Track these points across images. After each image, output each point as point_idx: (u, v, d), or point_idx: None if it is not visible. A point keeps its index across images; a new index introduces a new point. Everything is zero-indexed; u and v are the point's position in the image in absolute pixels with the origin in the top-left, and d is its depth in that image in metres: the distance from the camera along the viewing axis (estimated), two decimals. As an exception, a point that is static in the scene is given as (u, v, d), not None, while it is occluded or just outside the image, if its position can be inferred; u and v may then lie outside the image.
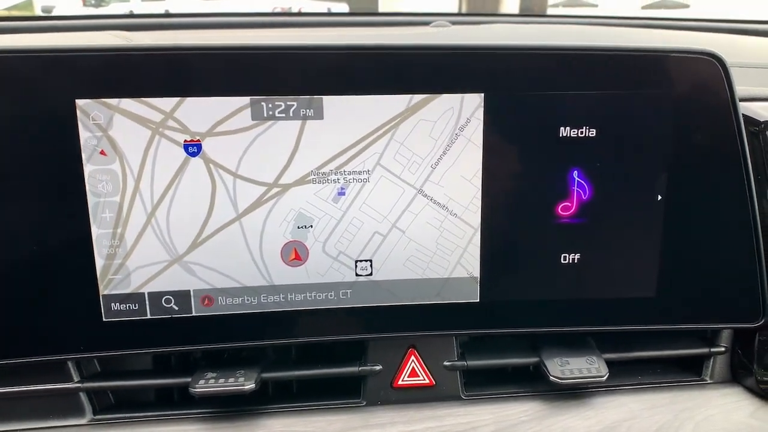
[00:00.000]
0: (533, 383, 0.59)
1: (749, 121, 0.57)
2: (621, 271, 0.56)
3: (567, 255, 0.55)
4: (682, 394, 0.58)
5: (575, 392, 0.58)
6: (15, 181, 0.49)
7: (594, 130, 0.53)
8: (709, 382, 0.60)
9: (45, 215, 0.49)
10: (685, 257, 0.56)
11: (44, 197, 0.49)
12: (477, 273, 0.55)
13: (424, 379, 0.57)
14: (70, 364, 0.54)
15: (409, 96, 0.51)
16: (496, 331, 0.57)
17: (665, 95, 0.53)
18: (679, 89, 0.53)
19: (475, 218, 0.54)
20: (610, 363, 0.58)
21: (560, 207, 0.55)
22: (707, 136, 0.54)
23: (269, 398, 0.58)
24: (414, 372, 0.57)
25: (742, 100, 0.56)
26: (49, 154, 0.49)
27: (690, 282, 0.56)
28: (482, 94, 0.51)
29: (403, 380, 0.57)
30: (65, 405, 0.55)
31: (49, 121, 0.48)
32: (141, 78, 0.49)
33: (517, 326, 0.56)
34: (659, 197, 0.55)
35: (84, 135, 0.49)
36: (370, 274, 0.55)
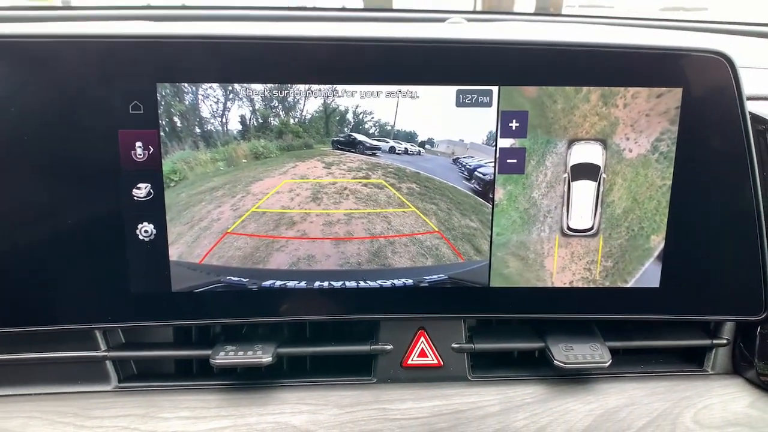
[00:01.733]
0: (538, 368, 0.61)
1: (756, 119, 0.58)
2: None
3: (574, 244, 0.57)
4: (682, 383, 0.60)
5: (578, 377, 0.60)
6: (49, 152, 0.52)
7: (604, 124, 0.55)
8: (710, 372, 0.62)
9: (80, 189, 0.53)
10: (690, 251, 0.57)
11: (79, 172, 0.52)
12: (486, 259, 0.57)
13: (433, 360, 0.59)
14: (97, 333, 0.57)
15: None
16: (504, 316, 0.59)
17: (673, 92, 0.55)
18: (687, 87, 0.54)
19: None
20: (613, 351, 0.60)
21: (569, 198, 0.57)
22: (714, 132, 0.55)
23: (284, 373, 0.61)
24: (423, 352, 0.60)
25: (750, 99, 0.58)
26: (89, 124, 0.51)
27: (694, 274, 0.58)
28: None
29: (412, 360, 0.59)
30: (92, 372, 0.58)
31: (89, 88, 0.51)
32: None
33: (524, 311, 0.58)
34: (665, 191, 0.57)
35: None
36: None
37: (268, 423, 0.54)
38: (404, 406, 0.56)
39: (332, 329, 0.64)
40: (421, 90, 0.53)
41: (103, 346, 0.58)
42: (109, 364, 0.58)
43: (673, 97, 0.54)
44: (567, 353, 0.58)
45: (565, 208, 0.56)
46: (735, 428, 0.57)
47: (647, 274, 0.58)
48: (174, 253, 0.54)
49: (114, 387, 0.58)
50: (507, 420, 0.56)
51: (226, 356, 0.55)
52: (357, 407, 0.56)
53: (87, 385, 0.58)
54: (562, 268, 0.57)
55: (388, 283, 0.56)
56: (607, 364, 0.57)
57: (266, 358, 0.55)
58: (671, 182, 0.56)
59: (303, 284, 0.56)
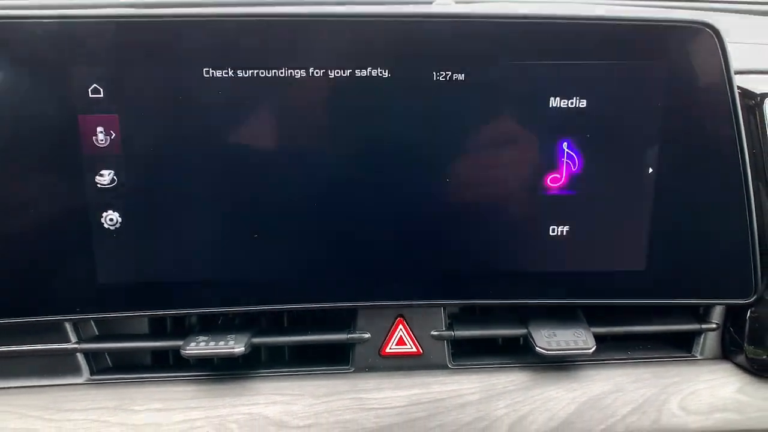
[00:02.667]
0: (520, 356, 0.60)
1: (745, 94, 0.56)
2: (610, 244, 0.56)
3: (555, 227, 0.55)
4: (670, 369, 0.58)
5: (562, 364, 0.58)
6: (10, 141, 0.50)
7: (585, 101, 0.53)
8: (699, 358, 0.60)
9: (44, 178, 0.51)
10: (676, 231, 0.55)
11: (41, 160, 0.51)
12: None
13: (412, 348, 0.58)
14: (67, 325, 0.56)
15: (397, 65, 0.52)
16: (483, 302, 0.57)
17: (659, 66, 0.52)
18: (673, 60, 0.52)
19: (464, 189, 0.54)
20: (599, 338, 0.58)
21: (549, 178, 0.54)
22: (701, 108, 0.53)
23: (261, 364, 0.59)
24: (402, 340, 0.58)
25: (739, 73, 0.56)
26: (47, 109, 0.50)
27: (680, 257, 0.56)
28: (471, 64, 0.52)
29: (390, 348, 0.58)
30: (63, 365, 0.56)
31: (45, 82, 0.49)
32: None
33: (504, 297, 0.57)
34: (650, 170, 0.55)
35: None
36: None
37: (241, 414, 0.53)
38: (381, 395, 0.55)
39: (310, 319, 0.62)
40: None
41: (73, 339, 0.56)
42: (80, 357, 0.57)
43: (659, 70, 0.52)
44: (549, 339, 0.56)
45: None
46: (723, 414, 0.55)
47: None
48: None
49: (86, 380, 0.57)
50: (487, 408, 0.54)
51: (197, 347, 0.54)
52: (333, 397, 0.55)
53: (58, 378, 0.56)
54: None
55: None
56: (591, 350, 0.56)
57: (238, 348, 0.54)
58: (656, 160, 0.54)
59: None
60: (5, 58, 0.48)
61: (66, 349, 0.56)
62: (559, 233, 0.55)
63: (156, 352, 0.61)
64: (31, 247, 0.52)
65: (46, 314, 0.54)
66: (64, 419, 0.53)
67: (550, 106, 0.53)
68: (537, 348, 0.56)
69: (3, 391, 0.55)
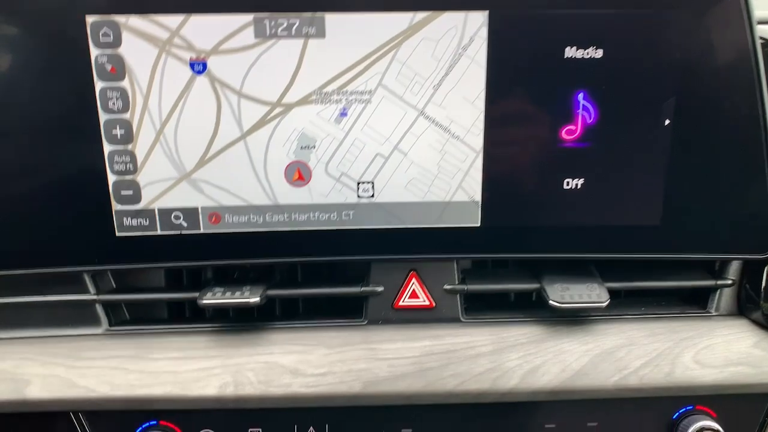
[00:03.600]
0: (533, 311, 0.60)
1: (766, 43, 0.55)
2: (625, 197, 0.55)
3: (570, 180, 0.55)
4: (684, 324, 0.58)
5: (575, 319, 0.58)
6: (29, 101, 0.51)
7: (600, 51, 0.52)
8: (713, 314, 0.60)
9: (60, 133, 0.52)
10: (692, 185, 0.55)
11: (58, 115, 0.51)
12: (478, 197, 0.55)
13: (425, 301, 0.58)
14: (86, 277, 0.57)
15: (411, 13, 0.51)
16: (497, 256, 0.57)
17: (678, 15, 0.51)
18: (693, 9, 0.51)
19: (478, 141, 0.54)
20: (612, 294, 0.58)
21: (565, 130, 0.54)
22: (721, 59, 0.52)
23: (275, 318, 0.60)
24: (414, 294, 0.58)
25: (762, 23, 0.54)
26: (62, 72, 0.50)
27: (696, 210, 0.56)
28: (486, 12, 0.51)
29: (403, 301, 0.58)
30: (83, 316, 0.58)
31: (61, 39, 0.50)
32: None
33: (518, 251, 0.57)
34: (667, 122, 0.54)
35: (95, 52, 0.51)
36: (372, 196, 0.55)
37: (257, 363, 0.54)
38: (394, 346, 0.55)
39: (324, 273, 0.63)
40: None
41: (92, 290, 0.58)
42: (99, 308, 0.58)
43: (679, 20, 0.51)
44: (563, 293, 0.56)
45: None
46: (737, 367, 0.55)
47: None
48: (158, 193, 0.54)
49: (104, 330, 0.58)
50: (500, 359, 0.55)
51: (213, 297, 0.55)
52: (346, 347, 0.55)
53: (78, 329, 0.58)
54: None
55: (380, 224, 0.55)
56: (605, 304, 0.55)
57: (254, 299, 0.54)
58: (673, 112, 0.53)
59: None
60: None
61: (85, 300, 0.57)
62: (573, 186, 0.55)
63: (172, 307, 0.62)
64: (51, 200, 0.53)
65: (66, 265, 0.55)
66: (85, 366, 0.54)
67: (566, 56, 0.52)
68: (550, 301, 0.56)
69: (24, 340, 0.57)
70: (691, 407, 0.54)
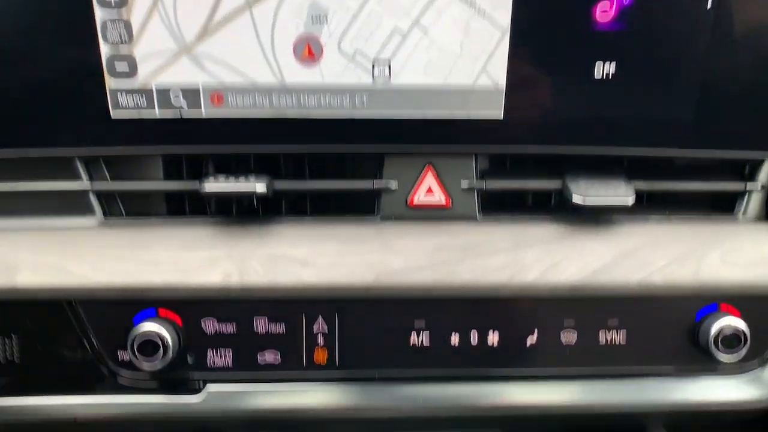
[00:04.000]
0: (553, 212, 0.57)
1: None
2: (658, 88, 0.52)
3: (601, 67, 0.51)
4: (710, 227, 0.55)
5: (598, 218, 0.55)
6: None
7: None
8: (741, 218, 0.57)
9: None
10: (730, 77, 0.51)
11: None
12: (503, 83, 0.51)
13: (441, 198, 0.55)
14: (78, 163, 0.53)
15: None
16: (519, 150, 0.54)
17: None
18: None
19: (505, 18, 0.49)
20: (637, 197, 0.55)
21: (598, 11, 0.50)
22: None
23: (282, 215, 0.57)
24: (430, 190, 0.55)
25: None
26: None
27: (732, 105, 0.52)
28: None
29: (418, 198, 0.55)
30: (76, 207, 0.54)
31: None
32: None
33: (541, 143, 0.53)
34: (709, 4, 0.50)
35: None
36: (388, 79, 0.51)
37: (263, 253, 0.51)
38: (409, 241, 0.52)
39: (333, 171, 0.59)
40: None
41: (85, 178, 0.54)
42: (93, 198, 0.54)
43: None
44: (587, 191, 0.53)
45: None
46: (764, 269, 0.53)
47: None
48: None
49: (99, 221, 0.54)
50: (518, 256, 0.52)
51: (216, 183, 0.51)
52: (359, 240, 0.52)
53: (71, 219, 0.54)
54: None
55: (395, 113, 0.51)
56: (630, 201, 0.52)
57: (261, 187, 0.51)
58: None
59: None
60: None
61: (78, 189, 0.53)
62: (604, 74, 0.51)
63: (171, 202, 0.58)
64: (42, 75, 0.49)
65: (56, 145, 0.51)
66: (79, 254, 0.51)
67: (605, -76, 0.48)
68: (574, 199, 0.53)
69: (14, 229, 0.53)
70: (714, 306, 0.52)
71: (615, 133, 0.53)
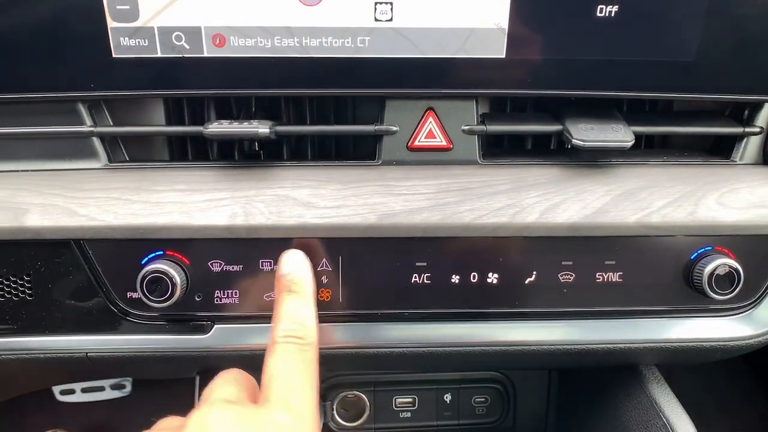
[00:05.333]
0: (554, 156, 0.57)
1: None
2: (661, 27, 0.52)
3: (604, 6, 0.51)
4: (708, 170, 0.56)
5: (596, 163, 0.56)
6: None
7: None
8: (738, 163, 0.58)
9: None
10: (732, 18, 0.51)
11: None
12: (505, 24, 0.51)
13: (441, 141, 0.55)
14: (82, 107, 0.53)
15: None
16: (521, 92, 0.54)
17: None
18: None
19: (508, -44, 0.49)
20: (637, 141, 0.55)
21: (602, -51, 0.49)
22: None
23: (284, 161, 0.57)
24: (431, 133, 0.55)
25: None
26: None
27: (734, 48, 0.52)
28: None
29: (419, 141, 0.55)
30: (80, 150, 0.54)
31: None
32: None
33: (543, 87, 0.53)
34: (714, -60, 0.49)
35: None
36: (390, 20, 0.51)
37: (267, 195, 0.52)
38: (410, 183, 0.53)
39: (334, 115, 0.59)
40: None
41: (88, 122, 0.54)
42: (96, 142, 0.54)
43: None
44: (586, 133, 0.54)
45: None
46: (761, 209, 0.53)
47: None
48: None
49: (104, 165, 0.55)
50: (518, 197, 0.53)
51: (220, 127, 0.51)
52: (360, 183, 0.53)
53: (75, 162, 0.54)
54: None
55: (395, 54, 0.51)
56: (629, 144, 0.53)
57: (263, 130, 0.51)
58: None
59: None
60: None
61: (81, 132, 0.53)
62: (607, 13, 0.51)
63: (174, 148, 0.59)
64: (41, 18, 0.48)
65: (59, 90, 0.51)
66: (86, 196, 0.51)
67: None
68: (573, 140, 0.53)
69: (19, 173, 0.54)
70: (710, 248, 0.54)
71: (616, 75, 0.53)
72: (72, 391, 1.09)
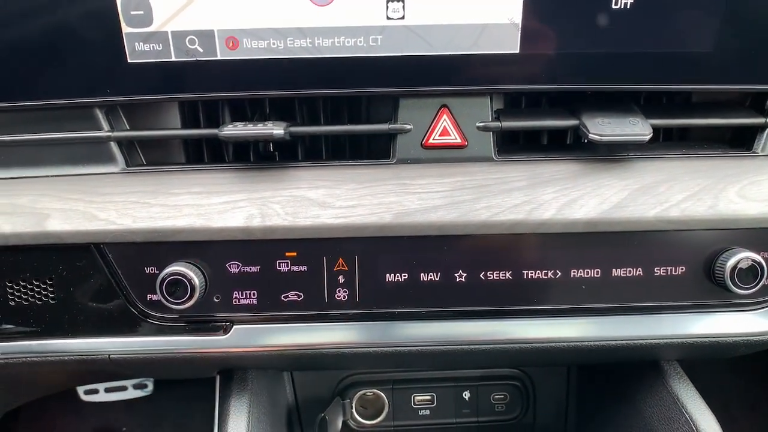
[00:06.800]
0: (570, 152, 0.57)
1: None
2: (679, 19, 0.51)
3: (620, -3, 0.50)
4: (729, 162, 0.55)
5: (614, 157, 0.55)
6: None
7: None
8: (760, 154, 0.57)
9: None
10: (753, 5, 0.50)
11: None
12: (519, 18, 0.51)
13: (456, 139, 0.55)
14: (99, 113, 0.54)
15: None
16: (536, 87, 0.53)
17: None
18: None
19: (520, -51, 0.49)
20: (654, 134, 0.54)
21: (617, -61, 0.49)
22: None
23: (299, 161, 0.58)
24: (446, 131, 0.55)
25: None
26: None
27: (754, 36, 0.51)
28: None
29: (434, 139, 0.55)
30: (98, 154, 0.55)
31: None
32: None
33: (559, 81, 0.53)
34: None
35: None
36: (402, 17, 0.51)
37: (283, 196, 0.52)
38: (425, 182, 0.53)
39: (348, 115, 0.59)
40: None
41: (106, 127, 0.55)
42: (114, 146, 0.55)
43: None
44: (603, 127, 0.53)
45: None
46: (783, 202, 0.53)
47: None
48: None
49: (121, 169, 0.55)
50: (534, 193, 0.52)
51: (235, 129, 0.52)
52: (375, 182, 0.53)
53: (93, 167, 0.55)
54: None
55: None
56: (648, 137, 0.52)
57: (278, 131, 0.51)
58: None
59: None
60: None
61: (99, 137, 0.54)
62: (623, 5, 0.50)
63: (190, 151, 0.59)
64: (57, 26, 0.49)
65: (76, 96, 0.52)
66: (105, 201, 0.52)
67: None
68: (590, 135, 0.52)
69: (39, 179, 0.55)
70: (731, 241, 0.53)
71: (633, 68, 0.52)
72: (96, 391, 1.12)
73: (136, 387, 1.13)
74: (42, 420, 1.14)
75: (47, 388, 0.83)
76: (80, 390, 1.10)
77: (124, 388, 1.13)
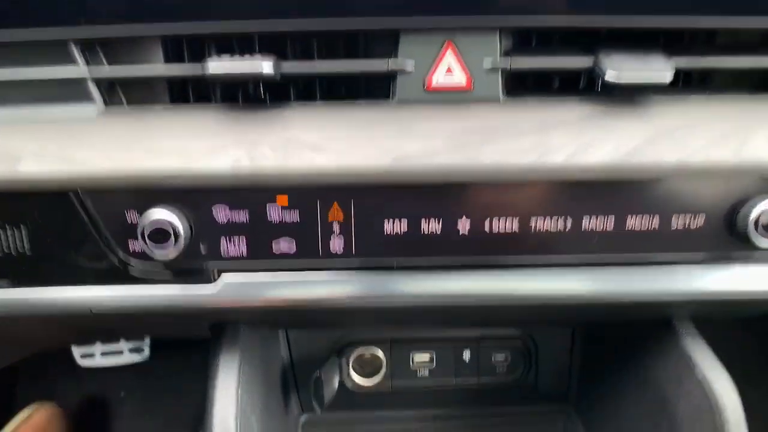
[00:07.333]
0: (583, 94, 0.52)
1: None
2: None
3: None
4: (756, 105, 0.51)
5: (632, 99, 0.51)
6: None
7: None
8: (789, 98, 0.53)
9: None
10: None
11: None
12: (532, -59, 0.46)
13: (461, 80, 0.51)
14: (74, 47, 0.49)
15: None
16: (548, 25, 0.49)
17: None
18: None
19: None
20: (675, 77, 0.50)
21: None
22: None
23: (290, 102, 0.53)
24: (450, 70, 0.51)
25: None
26: None
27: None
28: None
29: (436, 80, 0.51)
30: (74, 94, 0.50)
31: None
32: None
33: (574, 13, 0.48)
34: None
35: None
36: (404, -60, 0.46)
37: (273, 139, 0.48)
38: (427, 124, 0.49)
39: (344, 51, 0.55)
40: None
41: (81, 62, 0.50)
42: (91, 85, 0.51)
43: None
44: (621, 67, 0.49)
45: None
46: (814, 148, 0.49)
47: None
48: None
49: (100, 111, 0.51)
50: (545, 137, 0.48)
51: (221, 63, 0.47)
52: (373, 124, 0.49)
53: (70, 108, 0.50)
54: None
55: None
56: (669, 78, 0.48)
57: (267, 66, 0.47)
58: None
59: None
60: None
61: (75, 75, 0.50)
62: (648, -74, 0.46)
63: (174, 92, 0.55)
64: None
65: (49, 26, 0.48)
66: (81, 143, 0.48)
67: None
68: (607, 75, 0.48)
69: (10, 119, 0.50)
70: (756, 189, 0.49)
71: (653, 1, 0.48)
72: (92, 355, 1.11)
73: (132, 351, 1.12)
74: (39, 386, 1.14)
75: (36, 344, 0.81)
76: (76, 354, 1.09)
77: (119, 353, 1.12)
